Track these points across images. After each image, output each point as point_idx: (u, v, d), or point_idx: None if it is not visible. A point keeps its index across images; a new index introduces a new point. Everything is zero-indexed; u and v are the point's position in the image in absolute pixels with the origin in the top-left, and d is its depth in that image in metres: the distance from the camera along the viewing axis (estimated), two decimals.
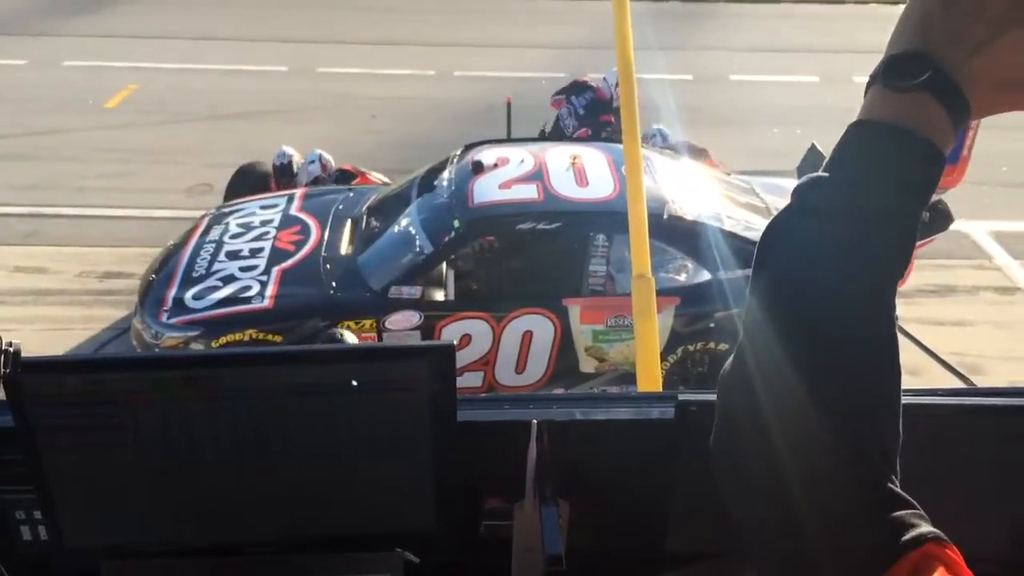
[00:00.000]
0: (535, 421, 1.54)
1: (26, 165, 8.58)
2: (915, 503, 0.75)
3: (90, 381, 1.33)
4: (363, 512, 1.44)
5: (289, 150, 7.37)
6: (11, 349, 1.15)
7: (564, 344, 5.55)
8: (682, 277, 5.64)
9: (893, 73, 0.78)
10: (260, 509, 1.42)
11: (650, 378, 2.91)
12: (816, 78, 11.29)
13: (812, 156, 6.32)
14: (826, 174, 0.79)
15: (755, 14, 13.69)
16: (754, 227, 5.89)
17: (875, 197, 0.77)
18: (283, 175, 7.22)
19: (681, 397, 1.42)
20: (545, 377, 5.63)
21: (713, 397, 1.51)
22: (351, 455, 1.39)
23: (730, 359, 0.82)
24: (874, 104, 0.80)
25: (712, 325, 5.52)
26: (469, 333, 5.46)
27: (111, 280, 6.87)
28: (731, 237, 5.72)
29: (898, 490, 0.75)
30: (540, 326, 5.49)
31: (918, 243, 0.80)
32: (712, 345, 5.56)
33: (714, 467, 0.83)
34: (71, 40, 11.87)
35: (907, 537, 0.72)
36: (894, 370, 0.78)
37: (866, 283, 0.77)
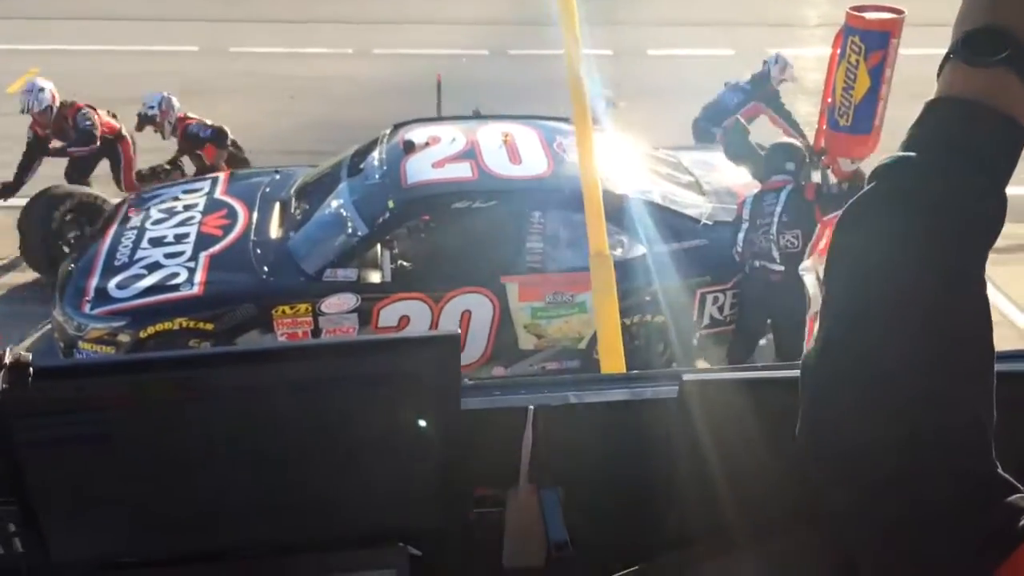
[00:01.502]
0: (531, 407, 1.52)
1: None
2: (1020, 486, 0.74)
3: (71, 387, 1.26)
4: (366, 508, 1.41)
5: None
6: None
7: (503, 322, 5.54)
8: (617, 252, 5.67)
9: (972, 49, 0.77)
10: (258, 511, 1.37)
11: (614, 357, 2.92)
12: (731, 51, 11.45)
13: (737, 133, 6.42)
14: (908, 154, 0.78)
15: None
16: (683, 200, 5.97)
17: (959, 176, 0.76)
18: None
19: (685, 377, 1.42)
20: (485, 356, 5.61)
21: (715, 376, 1.52)
22: (351, 451, 1.35)
23: (814, 347, 0.81)
24: (953, 81, 0.79)
25: (647, 299, 5.57)
26: (407, 314, 5.42)
27: (17, 273, 6.56)
28: (662, 210, 5.78)
29: (1004, 474, 0.74)
30: (479, 305, 5.47)
31: (839, 212, 0.80)
32: (649, 318, 5.62)
33: (807, 456, 0.81)
34: None
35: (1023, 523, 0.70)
36: (989, 347, 0.77)
37: (956, 262, 0.76)
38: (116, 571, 1.35)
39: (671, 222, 5.76)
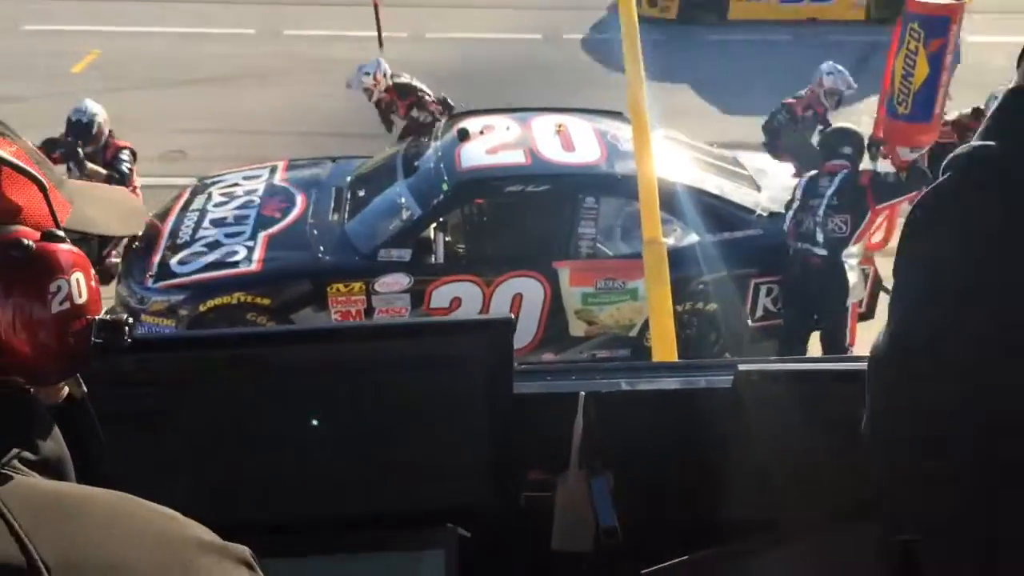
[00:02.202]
0: (582, 392, 1.52)
1: None
2: None
3: (134, 361, 1.28)
4: (418, 487, 1.42)
5: (93, 106, 6.65)
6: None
7: (554, 307, 5.55)
8: (670, 240, 5.64)
9: None
10: (312, 487, 1.39)
11: (666, 345, 2.90)
12: (790, 36, 11.26)
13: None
14: (987, 143, 0.75)
15: None
16: (738, 192, 5.92)
17: None
18: (79, 133, 6.42)
19: (741, 367, 1.40)
20: (535, 341, 5.63)
21: (770, 367, 1.50)
22: (408, 431, 1.36)
23: (883, 337, 0.79)
24: None
25: (700, 287, 5.53)
26: (459, 296, 5.46)
27: None
28: (716, 200, 5.74)
29: None
30: (530, 289, 5.49)
31: (893, 202, 0.76)
32: (700, 306, 5.59)
33: (872, 448, 0.80)
34: (28, 4, 11.49)
35: None
36: None
37: None
38: None
39: (725, 212, 5.72)
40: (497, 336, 1.32)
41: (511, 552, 1.59)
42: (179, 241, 5.65)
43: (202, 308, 5.29)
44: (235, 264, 5.43)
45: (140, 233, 5.50)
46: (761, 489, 1.43)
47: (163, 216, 5.98)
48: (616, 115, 6.10)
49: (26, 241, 0.83)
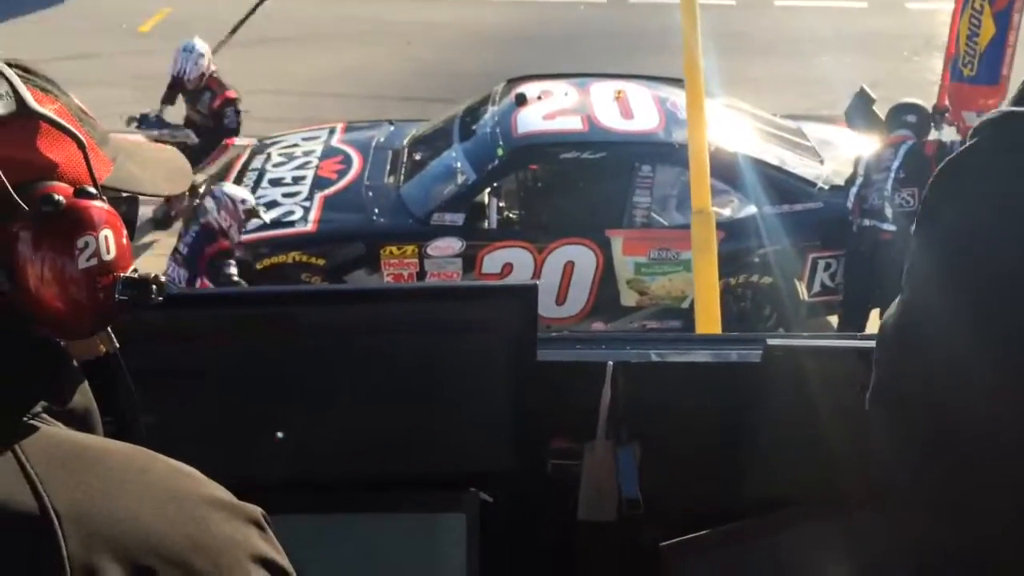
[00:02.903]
0: (610, 362, 1.51)
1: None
2: None
3: (166, 317, 1.31)
4: (440, 451, 1.43)
5: (200, 45, 6.91)
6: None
7: (605, 276, 5.52)
8: (727, 211, 5.56)
9: None
10: (337, 447, 1.41)
11: (709, 316, 2.86)
12: (865, 3, 10.91)
13: (861, 99, 6.10)
14: (1018, 109, 0.70)
15: None
16: (799, 164, 5.79)
17: None
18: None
19: (770, 342, 1.37)
20: (586, 310, 5.61)
21: (800, 343, 1.47)
22: (430, 395, 1.37)
23: (894, 310, 0.76)
24: None
25: (756, 260, 5.45)
26: (511, 262, 5.47)
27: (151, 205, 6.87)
28: (776, 171, 5.63)
29: None
30: (582, 256, 5.46)
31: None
32: (755, 279, 5.50)
33: (876, 417, 0.77)
34: None
35: None
36: None
37: None
38: None
39: (785, 184, 5.60)
40: (521, 301, 1.31)
41: (535, 519, 1.60)
42: None
43: (258, 267, 5.39)
44: (291, 224, 5.53)
45: (187, 192, 5.61)
46: (788, 465, 1.40)
47: (222, 175, 6.09)
48: (678, 82, 5.95)
49: (56, 196, 0.84)
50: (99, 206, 0.88)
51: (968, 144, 0.72)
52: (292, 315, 1.31)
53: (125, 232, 0.91)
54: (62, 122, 0.87)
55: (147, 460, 0.83)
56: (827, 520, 1.38)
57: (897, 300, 0.76)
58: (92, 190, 0.88)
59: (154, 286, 0.93)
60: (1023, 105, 0.70)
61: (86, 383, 0.92)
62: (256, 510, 0.86)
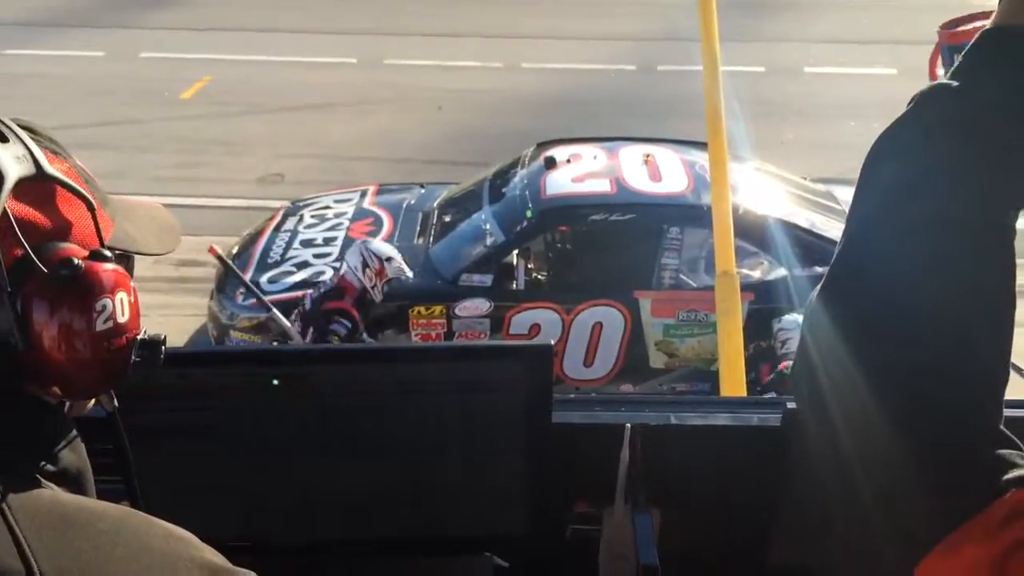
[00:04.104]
0: (628, 425, 1.48)
1: (104, 154, 8.76)
2: (1020, 444, 0.69)
3: (179, 375, 1.31)
4: (453, 514, 1.40)
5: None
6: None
7: (634, 338, 5.49)
8: (756, 273, 5.53)
9: None
10: (349, 508, 1.39)
11: (734, 379, 2.82)
12: (894, 70, 10.95)
13: None
14: (950, 81, 0.73)
15: (831, 4, 13.36)
16: (830, 227, 5.76)
17: (999, 106, 0.70)
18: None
19: (790, 405, 1.35)
20: (614, 371, 5.57)
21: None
22: (444, 455, 1.35)
23: (824, 278, 0.77)
24: (1010, 8, 0.73)
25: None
26: (539, 323, 5.45)
27: (186, 268, 6.97)
28: (807, 234, 5.60)
29: (1005, 430, 0.70)
30: (610, 318, 5.44)
31: None
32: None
33: (800, 389, 0.79)
34: (147, 32, 12.10)
35: (1011, 476, 0.67)
36: (1009, 299, 0.72)
37: (986, 197, 0.71)
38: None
39: (815, 246, 5.56)
40: (536, 363, 1.30)
41: None
42: (270, 260, 5.84)
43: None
44: (322, 284, 5.58)
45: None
46: (810, 533, 1.36)
47: (256, 236, 6.18)
48: (706, 146, 6.03)
49: (76, 260, 0.86)
50: (112, 268, 0.89)
51: (905, 111, 0.77)
52: (304, 374, 1.30)
53: (135, 293, 0.92)
54: (75, 185, 0.88)
55: (139, 523, 0.82)
56: None
57: (840, 240, 0.79)
58: (106, 252, 0.89)
59: (162, 346, 0.94)
60: (957, 79, 0.74)
61: (81, 443, 0.92)
62: (250, 574, 0.84)
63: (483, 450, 1.35)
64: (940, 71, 5.28)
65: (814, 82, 10.64)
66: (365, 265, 4.96)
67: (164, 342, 0.96)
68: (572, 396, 1.58)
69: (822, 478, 0.77)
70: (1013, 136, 0.71)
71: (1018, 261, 0.76)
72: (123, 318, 0.90)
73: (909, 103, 0.76)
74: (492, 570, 1.45)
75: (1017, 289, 0.74)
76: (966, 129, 0.72)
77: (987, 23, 0.73)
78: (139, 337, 0.93)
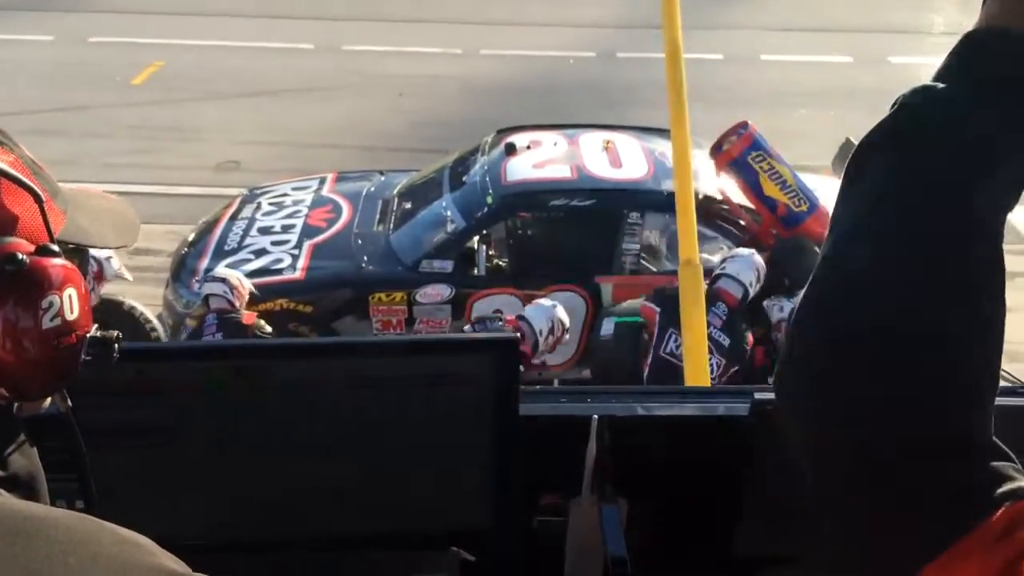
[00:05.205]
0: (595, 416, 1.47)
1: (53, 140, 8.55)
2: (1014, 456, 0.68)
3: (136, 371, 1.27)
4: (419, 509, 1.38)
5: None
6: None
7: (595, 323, 5.49)
8: (717, 257, 5.59)
9: None
10: (312, 505, 1.36)
11: (698, 369, 2.83)
12: (850, 58, 11.08)
13: (847, 151, 6.24)
14: (934, 84, 0.72)
15: None
16: None
17: (984, 109, 0.69)
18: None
19: (757, 395, 1.34)
20: (575, 357, 5.58)
21: None
22: (408, 450, 1.33)
23: (805, 291, 0.76)
24: (992, 10, 0.72)
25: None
26: (500, 308, 5.44)
27: (140, 256, 6.84)
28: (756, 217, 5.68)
29: (997, 441, 0.68)
30: (572, 303, 5.45)
31: None
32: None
33: (784, 406, 0.77)
34: (97, 16, 11.82)
35: (1004, 490, 0.65)
36: (996, 299, 0.70)
37: (970, 198, 0.70)
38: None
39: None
40: (502, 354, 1.28)
41: None
42: (227, 248, 5.75)
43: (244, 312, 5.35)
44: (279, 271, 5.53)
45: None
46: (778, 523, 1.36)
47: (212, 224, 6.10)
48: (666, 133, 6.06)
49: (20, 255, 0.82)
50: (62, 264, 0.85)
51: (888, 115, 0.75)
52: (264, 369, 1.27)
53: (86, 289, 0.89)
54: (20, 177, 0.85)
55: (93, 530, 0.79)
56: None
57: (823, 245, 0.77)
58: (54, 247, 0.86)
59: (116, 344, 0.90)
60: (940, 81, 0.73)
61: (30, 447, 0.88)
62: None
63: (449, 444, 1.33)
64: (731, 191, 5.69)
65: (770, 70, 10.72)
66: (230, 288, 4.88)
67: (117, 339, 0.93)
68: (538, 388, 1.57)
69: (802, 481, 0.75)
70: (1000, 140, 0.70)
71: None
72: (72, 315, 0.86)
73: (892, 107, 0.74)
74: (458, 564, 1.43)
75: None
76: (951, 133, 0.70)
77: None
78: (89, 335, 0.90)
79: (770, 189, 5.44)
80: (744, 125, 5.64)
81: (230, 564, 1.40)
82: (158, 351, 1.35)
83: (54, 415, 0.97)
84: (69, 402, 0.95)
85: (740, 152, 5.48)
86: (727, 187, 5.68)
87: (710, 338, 4.20)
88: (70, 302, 0.86)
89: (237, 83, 10.20)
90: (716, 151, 5.62)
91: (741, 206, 5.70)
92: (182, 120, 9.35)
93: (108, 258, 4.91)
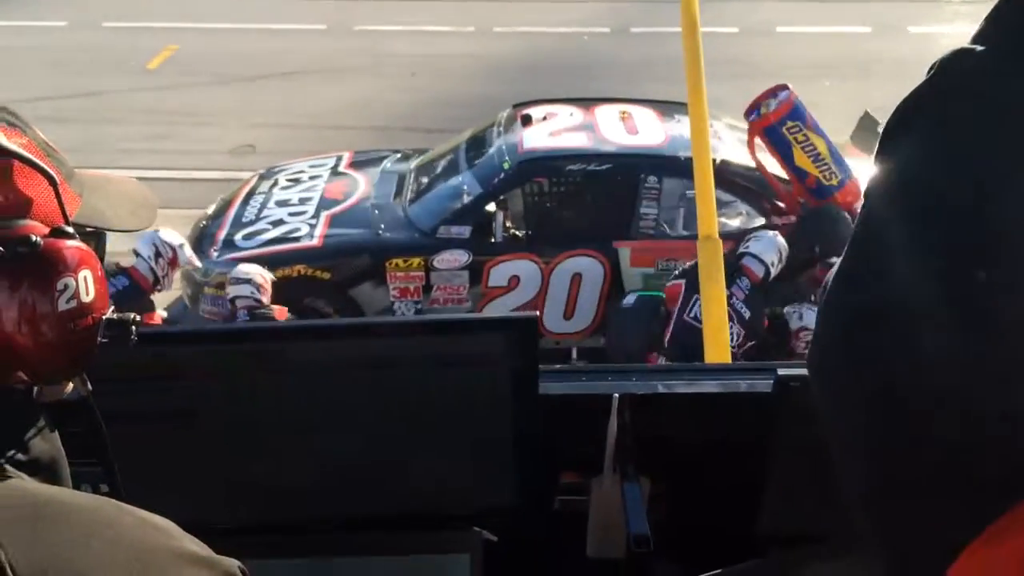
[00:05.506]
0: (616, 394, 1.46)
1: (68, 127, 8.57)
2: None
3: (153, 355, 1.27)
4: (440, 489, 1.38)
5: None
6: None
7: (613, 289, 5.50)
8: (736, 222, 5.57)
9: None
10: (333, 486, 1.36)
11: (718, 346, 2.80)
12: (868, 28, 10.93)
13: (866, 124, 6.16)
14: (973, 47, 0.69)
15: None
16: None
17: None
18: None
19: (781, 372, 1.33)
20: (594, 324, 5.58)
21: None
22: (429, 431, 1.32)
23: (838, 265, 0.73)
24: None
25: None
26: (518, 274, 5.45)
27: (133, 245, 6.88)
28: (785, 183, 5.64)
29: None
30: (590, 268, 5.45)
31: None
32: None
33: (816, 381, 0.75)
34: (111, 0, 11.83)
35: None
36: None
37: (1011, 170, 0.67)
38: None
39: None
40: (521, 334, 1.27)
41: (542, 558, 1.55)
42: (244, 220, 5.81)
43: None
44: (297, 239, 5.56)
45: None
46: (801, 500, 1.35)
47: (230, 199, 6.14)
48: (681, 105, 6.02)
49: (34, 237, 0.82)
50: (77, 246, 0.85)
51: (924, 79, 0.72)
52: (285, 351, 1.27)
53: (102, 271, 0.88)
54: (34, 159, 0.84)
55: (114, 513, 0.79)
56: (844, 558, 1.32)
57: (855, 223, 0.75)
58: (69, 229, 0.85)
59: (133, 326, 0.90)
60: (980, 43, 0.70)
61: (54, 431, 0.88)
62: (233, 563, 0.81)
63: (469, 424, 1.33)
64: (762, 155, 5.59)
65: (787, 42, 10.59)
66: (158, 255, 4.75)
67: (134, 321, 0.92)
68: (558, 367, 1.56)
69: (827, 457, 0.74)
70: None
71: None
72: (88, 297, 0.86)
73: (928, 71, 0.71)
74: (481, 544, 1.43)
75: None
76: (992, 97, 0.67)
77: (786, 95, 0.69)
78: (105, 317, 0.89)
79: (802, 160, 5.35)
80: (784, 88, 5.53)
81: (252, 545, 1.40)
82: (177, 334, 1.35)
83: (74, 399, 0.97)
84: (89, 386, 0.95)
85: (777, 120, 5.38)
86: (758, 150, 5.59)
87: (732, 308, 4.22)
88: (85, 284, 0.86)
89: (251, 65, 10.19)
90: (752, 114, 5.49)
91: (771, 172, 5.62)
92: (197, 104, 9.36)
93: (180, 245, 4.92)
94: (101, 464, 1.32)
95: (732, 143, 5.85)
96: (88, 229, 0.94)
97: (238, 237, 5.63)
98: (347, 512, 1.40)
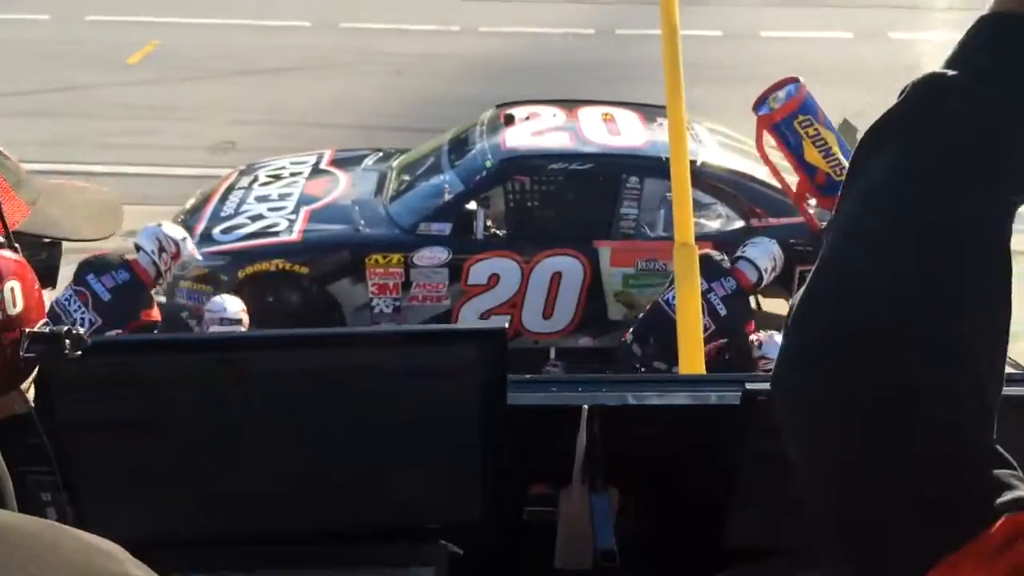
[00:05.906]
0: (585, 406, 1.45)
1: (48, 121, 8.51)
2: (1015, 464, 0.65)
3: (117, 364, 1.25)
4: (408, 501, 1.37)
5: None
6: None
7: (593, 289, 5.51)
8: (715, 224, 5.59)
9: None
10: (298, 498, 1.35)
11: (694, 353, 2.79)
12: (850, 34, 10.98)
13: (845, 130, 6.18)
14: (944, 71, 0.69)
15: None
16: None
17: (995, 100, 0.66)
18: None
19: (748, 385, 1.32)
20: (572, 324, 5.58)
21: None
22: (394, 443, 1.31)
23: (805, 287, 0.73)
24: None
25: None
26: (498, 272, 5.45)
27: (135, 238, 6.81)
28: (763, 186, 5.67)
29: (999, 448, 0.66)
30: (570, 267, 5.46)
31: None
32: None
33: (779, 402, 0.74)
34: None
35: (1005, 499, 0.63)
36: (1005, 297, 0.68)
37: (975, 196, 0.67)
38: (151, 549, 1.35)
39: (770, 198, 5.65)
40: (490, 346, 1.26)
41: (510, 568, 1.53)
42: (223, 214, 5.78)
43: (241, 274, 5.36)
44: (276, 234, 5.54)
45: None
46: (768, 513, 1.34)
47: (209, 194, 6.11)
48: (664, 109, 6.04)
49: None
50: (4, 256, 0.82)
51: (897, 101, 0.72)
52: (249, 361, 1.25)
53: (36, 283, 0.86)
54: None
55: (56, 536, 0.76)
56: (810, 571, 1.32)
57: (823, 241, 0.74)
58: None
59: (67, 340, 0.87)
60: (952, 67, 0.70)
61: None
62: None
63: (437, 436, 1.31)
64: (770, 147, 5.48)
65: (770, 46, 10.63)
66: (161, 249, 4.70)
67: (69, 335, 0.89)
68: (528, 377, 1.55)
69: (793, 473, 0.73)
70: (1010, 132, 0.67)
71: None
72: (14, 309, 0.83)
73: (900, 94, 0.71)
74: (447, 557, 1.41)
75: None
76: (958, 124, 0.68)
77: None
78: (28, 330, 0.86)
79: (812, 155, 5.23)
80: (794, 81, 5.41)
81: (219, 557, 1.39)
82: (139, 344, 1.33)
83: (17, 416, 0.95)
84: (31, 403, 0.92)
85: (786, 115, 5.26)
86: (765, 143, 5.54)
87: (707, 301, 4.21)
88: (12, 295, 0.83)
89: (233, 62, 10.12)
90: (760, 108, 5.37)
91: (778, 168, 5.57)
92: (178, 100, 9.29)
93: (183, 239, 4.86)
94: (60, 478, 1.30)
95: (712, 146, 5.88)
96: (46, 240, 0.92)
97: (216, 231, 5.60)
98: (312, 525, 1.38)
